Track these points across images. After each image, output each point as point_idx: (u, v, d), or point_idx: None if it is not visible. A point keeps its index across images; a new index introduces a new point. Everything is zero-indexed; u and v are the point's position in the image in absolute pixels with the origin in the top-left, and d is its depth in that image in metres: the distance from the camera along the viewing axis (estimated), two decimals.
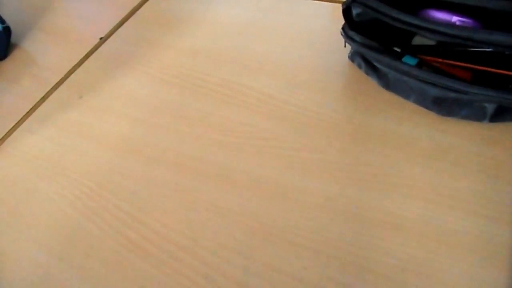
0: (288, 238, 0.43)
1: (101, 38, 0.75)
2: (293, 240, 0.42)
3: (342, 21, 0.53)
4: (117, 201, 0.50)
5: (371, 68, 0.53)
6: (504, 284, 0.37)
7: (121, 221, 0.48)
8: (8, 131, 0.62)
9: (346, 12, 0.52)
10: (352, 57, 0.56)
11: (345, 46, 0.56)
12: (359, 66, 0.55)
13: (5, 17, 0.77)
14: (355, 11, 0.51)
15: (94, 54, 0.72)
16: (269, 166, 0.49)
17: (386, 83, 0.52)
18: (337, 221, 0.43)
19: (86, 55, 0.72)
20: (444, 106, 0.47)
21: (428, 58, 0.49)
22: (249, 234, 0.44)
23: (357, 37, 0.51)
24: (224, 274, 0.41)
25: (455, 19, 0.45)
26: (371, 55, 0.50)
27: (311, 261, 0.41)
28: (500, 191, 0.42)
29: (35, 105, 0.65)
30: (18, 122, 0.63)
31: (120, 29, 0.76)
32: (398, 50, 0.51)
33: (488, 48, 0.43)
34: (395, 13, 0.46)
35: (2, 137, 0.61)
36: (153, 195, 0.49)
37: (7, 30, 0.77)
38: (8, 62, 0.76)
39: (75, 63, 0.71)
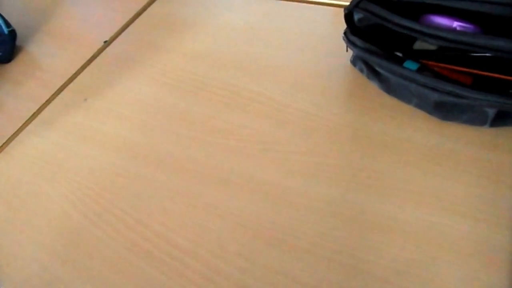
0: (289, 241, 0.43)
1: (105, 42, 0.75)
2: (294, 243, 0.43)
3: (344, 26, 0.54)
4: (120, 204, 0.50)
5: (372, 72, 0.53)
6: (506, 286, 0.37)
7: (123, 223, 0.48)
8: (13, 134, 0.62)
9: (348, 17, 0.53)
10: (354, 61, 0.56)
11: (347, 51, 0.57)
12: (361, 71, 0.55)
13: (10, 21, 0.78)
14: (357, 16, 0.52)
15: (98, 58, 0.73)
16: (271, 169, 0.49)
17: (388, 88, 0.52)
18: (338, 225, 0.43)
19: (90, 58, 0.73)
20: (445, 111, 0.48)
21: (430, 62, 0.49)
22: (250, 237, 0.44)
23: (358, 42, 0.52)
24: (225, 276, 0.42)
25: (456, 24, 0.45)
26: (372, 60, 0.50)
27: (312, 264, 0.41)
28: (500, 195, 0.42)
29: (40, 107, 0.66)
30: (23, 124, 0.63)
31: (124, 33, 0.77)
32: (400, 55, 0.51)
33: (488, 53, 0.43)
34: (396, 19, 0.46)
35: (7, 139, 0.62)
36: (156, 198, 0.50)
37: (13, 34, 0.78)
38: (14, 65, 0.77)
39: (79, 66, 0.72)
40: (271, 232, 0.44)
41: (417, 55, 0.51)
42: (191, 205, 0.48)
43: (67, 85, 0.69)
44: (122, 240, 0.47)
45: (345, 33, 0.54)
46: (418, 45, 0.52)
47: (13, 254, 0.48)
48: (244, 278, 0.41)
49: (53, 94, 0.67)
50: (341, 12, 0.54)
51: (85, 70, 0.71)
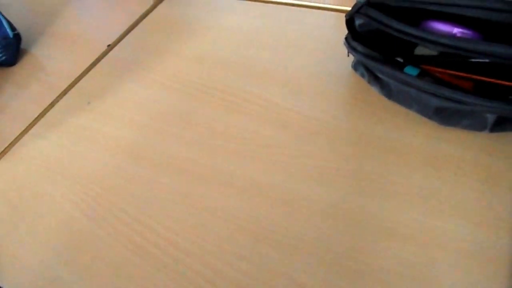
0: (290, 243, 0.43)
1: (109, 45, 0.76)
2: (295, 245, 0.43)
3: (346, 31, 0.54)
4: (122, 205, 0.50)
5: (373, 77, 0.54)
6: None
7: (126, 225, 0.49)
8: (17, 136, 0.63)
9: (349, 23, 0.53)
10: (355, 66, 0.57)
11: (348, 56, 0.57)
12: (362, 75, 0.56)
13: (15, 24, 0.79)
14: (358, 21, 0.52)
15: (102, 61, 0.73)
16: (272, 172, 0.50)
17: (388, 93, 0.52)
18: (338, 227, 0.44)
19: (94, 61, 0.73)
20: (445, 116, 0.48)
21: (430, 68, 0.50)
22: (251, 239, 0.44)
23: (359, 47, 0.52)
24: (227, 278, 0.42)
25: (456, 30, 0.46)
26: (373, 65, 0.51)
27: (312, 266, 0.41)
28: (499, 199, 0.42)
29: (43, 110, 0.66)
30: (27, 127, 0.64)
31: (127, 36, 0.77)
32: (401, 60, 0.52)
33: (488, 59, 0.43)
34: (397, 24, 0.47)
35: (12, 142, 0.62)
36: (158, 200, 0.50)
37: (18, 37, 0.78)
38: (18, 68, 0.77)
39: (83, 69, 0.72)
40: (272, 234, 0.44)
41: (418, 60, 0.51)
42: (193, 207, 0.48)
43: (70, 88, 0.69)
44: (124, 241, 0.47)
45: (346, 38, 0.54)
46: (419, 50, 0.52)
47: (16, 255, 0.49)
48: (245, 280, 0.42)
49: (57, 97, 0.68)
50: (343, 17, 0.54)
51: (89, 74, 0.71)
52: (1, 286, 0.46)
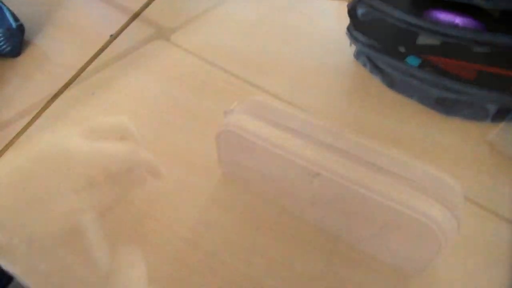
0: (292, 234, 0.44)
1: (111, 35, 0.76)
2: (296, 236, 0.44)
3: (348, 19, 0.54)
4: (128, 196, 0.51)
5: (375, 67, 0.54)
6: (506, 285, 0.37)
7: (131, 216, 0.49)
8: (23, 128, 0.63)
9: (352, 12, 0.53)
10: (357, 55, 0.57)
11: (350, 45, 0.57)
12: (364, 65, 0.56)
13: (18, 15, 0.79)
14: (360, 10, 0.52)
15: (105, 51, 0.73)
16: (274, 165, 0.50)
17: (390, 82, 0.52)
18: (340, 218, 0.44)
19: (97, 52, 0.73)
20: (446, 106, 0.48)
21: (432, 57, 0.49)
22: (253, 230, 0.45)
23: (361, 37, 0.52)
24: (228, 267, 0.43)
25: (458, 20, 0.46)
26: (374, 55, 0.51)
27: (314, 256, 0.42)
28: (501, 191, 0.43)
29: (48, 101, 0.67)
30: (32, 118, 0.65)
31: (130, 26, 0.77)
32: (403, 50, 0.52)
33: (490, 49, 0.43)
34: (399, 14, 0.47)
35: (17, 134, 0.63)
36: (163, 191, 0.51)
37: (21, 28, 0.78)
38: (22, 59, 0.77)
39: (87, 59, 0.72)
40: (274, 225, 0.45)
41: (420, 50, 0.51)
42: (197, 198, 0.49)
43: (75, 79, 0.69)
44: (129, 231, 0.48)
45: (348, 28, 0.54)
46: (421, 40, 0.52)
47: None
48: (247, 270, 0.43)
49: (61, 88, 0.68)
50: (345, 6, 0.54)
51: (93, 64, 0.71)
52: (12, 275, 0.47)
